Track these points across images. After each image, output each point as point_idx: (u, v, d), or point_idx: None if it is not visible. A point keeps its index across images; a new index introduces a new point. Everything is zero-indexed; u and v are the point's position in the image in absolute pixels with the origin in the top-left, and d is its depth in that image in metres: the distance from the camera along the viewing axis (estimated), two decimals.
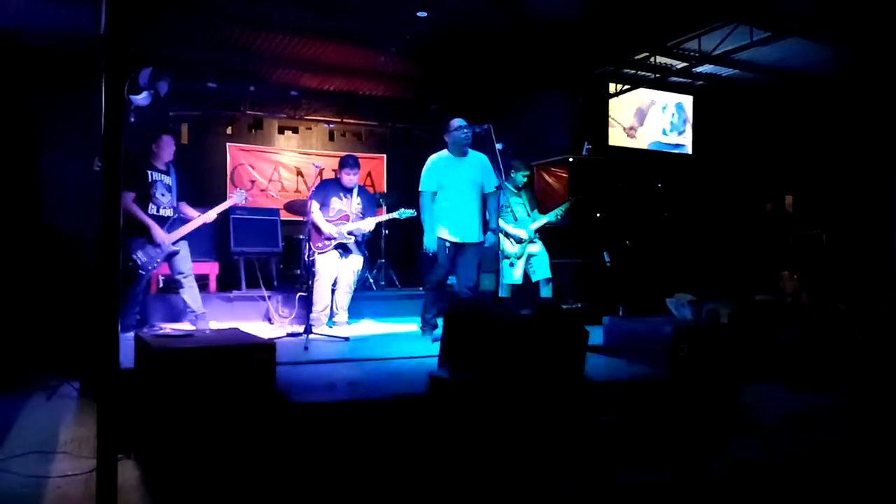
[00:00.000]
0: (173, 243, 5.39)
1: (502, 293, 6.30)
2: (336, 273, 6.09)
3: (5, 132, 5.67)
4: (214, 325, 5.49)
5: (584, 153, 8.14)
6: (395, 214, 6.21)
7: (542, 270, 6.37)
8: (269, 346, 3.44)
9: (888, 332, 5.57)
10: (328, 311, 6.13)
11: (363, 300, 7.08)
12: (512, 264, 6.28)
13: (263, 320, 6.64)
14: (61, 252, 5.54)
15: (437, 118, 8.03)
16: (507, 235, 6.25)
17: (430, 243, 5.34)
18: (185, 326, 5.48)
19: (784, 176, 8.77)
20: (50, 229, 5.64)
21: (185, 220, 5.53)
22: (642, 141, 8.74)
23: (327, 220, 6.05)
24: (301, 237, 6.19)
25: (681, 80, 8.32)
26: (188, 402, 3.17)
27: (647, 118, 8.74)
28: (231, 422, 3.22)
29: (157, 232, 5.30)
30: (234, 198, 5.87)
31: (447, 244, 5.34)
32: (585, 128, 8.34)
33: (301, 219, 6.63)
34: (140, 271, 5.26)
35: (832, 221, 7.91)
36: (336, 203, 6.13)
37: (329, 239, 6.01)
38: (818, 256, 7.77)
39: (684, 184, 8.85)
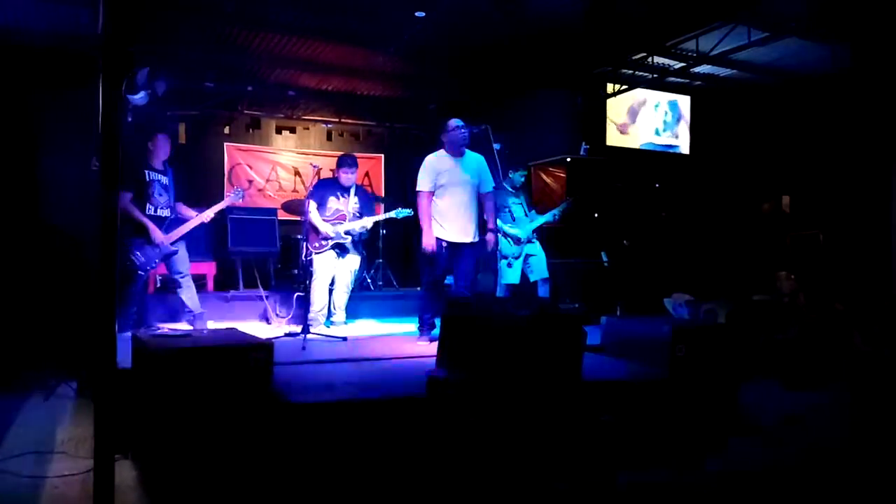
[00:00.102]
0: (171, 243, 5.39)
1: (500, 293, 6.30)
2: (333, 273, 6.09)
3: (3, 132, 5.66)
4: (212, 324, 5.49)
5: (581, 153, 8.14)
6: (391, 214, 6.21)
7: (539, 270, 6.37)
8: (266, 346, 3.43)
9: (885, 332, 5.58)
10: (326, 310, 6.13)
11: (361, 300, 7.08)
12: (510, 264, 6.28)
13: (261, 320, 6.64)
14: (59, 252, 5.54)
15: (435, 118, 8.03)
16: (505, 235, 6.25)
17: (429, 243, 5.33)
18: (182, 326, 5.47)
19: (781, 176, 8.78)
20: (48, 229, 5.64)
21: (182, 221, 5.52)
22: (635, 140, 8.72)
23: (324, 220, 6.05)
24: (299, 237, 6.18)
25: (679, 80, 8.32)
26: (185, 403, 3.17)
27: (640, 116, 8.72)
28: (228, 422, 3.22)
29: (155, 232, 5.29)
30: (231, 197, 5.86)
31: (444, 244, 5.34)
32: (583, 128, 8.34)
33: (298, 219, 6.64)
34: (138, 271, 5.25)
35: (829, 221, 7.92)
36: (333, 202, 6.12)
37: (326, 239, 6.01)
38: (815, 256, 7.79)
39: (682, 184, 8.85)
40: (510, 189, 6.47)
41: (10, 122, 5.69)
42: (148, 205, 5.35)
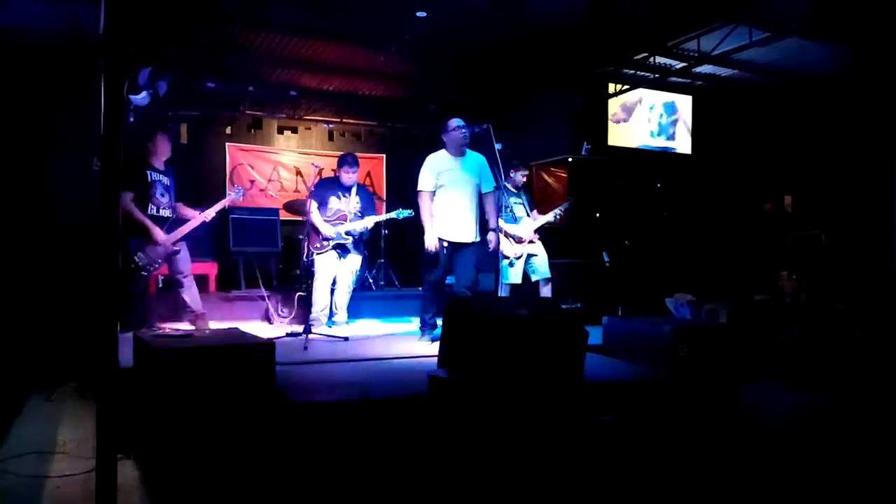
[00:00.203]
0: (173, 243, 5.39)
1: (502, 293, 6.29)
2: (335, 273, 6.09)
3: (4, 132, 5.66)
4: (214, 324, 5.49)
5: (583, 153, 8.14)
6: (392, 214, 6.21)
7: (541, 270, 6.37)
8: (268, 346, 3.44)
9: (887, 332, 5.58)
10: (327, 310, 6.13)
11: (362, 300, 7.09)
12: (511, 264, 6.28)
13: (263, 320, 6.64)
14: (60, 252, 5.54)
15: (437, 118, 8.03)
16: (507, 235, 6.25)
17: (431, 243, 5.34)
18: (184, 326, 5.48)
19: (783, 176, 8.77)
20: (49, 229, 5.64)
21: (183, 221, 5.53)
22: (631, 139, 8.66)
23: (326, 220, 6.05)
24: (300, 237, 6.19)
25: (680, 80, 8.31)
26: (188, 402, 3.17)
27: (634, 115, 8.65)
28: (230, 421, 3.22)
29: (157, 232, 5.30)
30: (232, 195, 5.88)
31: (445, 244, 5.34)
32: (585, 128, 8.34)
33: (300, 219, 6.64)
34: (141, 272, 5.26)
35: (831, 221, 7.91)
36: (334, 202, 6.13)
37: (327, 239, 6.01)
38: (817, 256, 7.78)
39: (683, 184, 8.84)
40: (512, 189, 6.47)
41: (11, 122, 5.69)
42: (150, 205, 5.36)
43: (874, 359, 5.43)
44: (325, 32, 6.68)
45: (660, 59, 7.63)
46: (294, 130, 9.10)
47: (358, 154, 6.86)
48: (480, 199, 5.52)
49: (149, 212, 5.33)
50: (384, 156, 9.54)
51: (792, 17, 6.27)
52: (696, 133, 9.07)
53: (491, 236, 5.49)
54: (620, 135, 8.54)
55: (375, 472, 3.23)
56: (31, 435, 3.83)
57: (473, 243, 5.42)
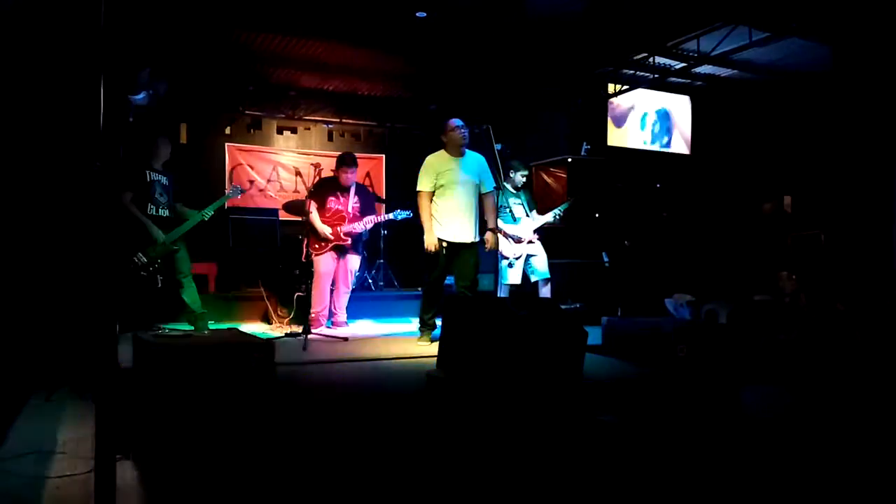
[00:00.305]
0: (172, 243, 5.39)
1: (501, 293, 6.30)
2: (334, 273, 6.09)
3: (3, 132, 5.66)
4: (213, 325, 5.49)
5: (582, 153, 8.14)
6: (390, 216, 6.22)
7: (540, 271, 6.37)
8: (267, 346, 3.43)
9: (888, 333, 5.58)
10: (327, 311, 6.13)
11: (362, 300, 7.09)
12: (511, 265, 6.27)
13: (262, 320, 6.64)
14: (59, 252, 5.53)
15: (436, 118, 8.04)
16: (506, 236, 6.25)
17: (430, 243, 5.34)
18: (183, 326, 5.47)
19: (783, 176, 8.77)
20: (48, 228, 5.63)
21: (182, 221, 5.53)
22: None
23: (324, 220, 6.05)
24: (300, 237, 6.19)
25: (680, 80, 8.32)
26: (187, 403, 3.17)
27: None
28: (230, 422, 3.22)
29: (156, 232, 5.30)
30: (230, 193, 5.90)
31: (445, 244, 5.34)
32: (584, 128, 8.34)
33: (299, 219, 6.64)
34: (140, 272, 5.26)
35: (831, 221, 7.91)
36: (333, 202, 6.13)
37: (326, 240, 6.02)
38: (817, 257, 7.78)
39: (683, 184, 8.85)
40: (511, 189, 6.46)
41: (9, 122, 5.68)
42: (149, 205, 5.36)
43: (874, 359, 5.43)
44: (325, 33, 6.69)
45: (659, 60, 7.64)
46: (293, 131, 9.10)
47: (357, 154, 6.86)
48: (480, 199, 5.52)
49: (148, 211, 5.34)
50: (383, 156, 9.54)
51: (792, 16, 6.27)
52: (695, 133, 9.08)
53: (488, 236, 5.49)
54: (614, 140, 8.56)
55: (375, 472, 3.23)
56: (31, 435, 3.82)
57: (473, 244, 5.41)
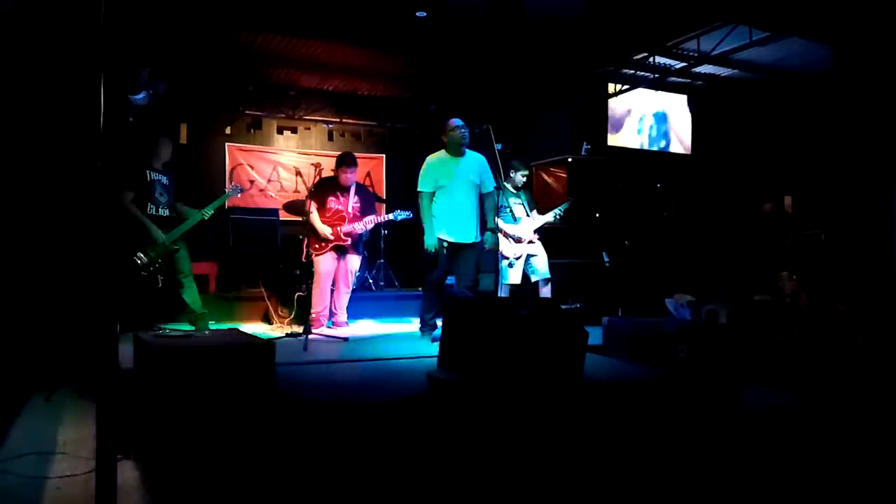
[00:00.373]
0: (173, 243, 5.39)
1: (501, 293, 6.29)
2: (334, 273, 6.09)
3: (3, 132, 5.66)
4: (214, 325, 5.49)
5: (582, 153, 8.14)
6: (390, 217, 6.21)
7: (541, 271, 6.37)
8: (268, 347, 3.43)
9: (888, 333, 5.58)
10: (327, 311, 6.13)
11: (362, 300, 7.09)
12: (511, 265, 6.27)
13: (262, 320, 6.64)
14: (60, 252, 5.53)
15: (437, 118, 8.05)
16: (507, 236, 6.24)
17: (430, 243, 5.34)
18: (184, 326, 5.47)
19: (783, 176, 8.78)
20: (49, 229, 5.64)
21: (183, 220, 5.53)
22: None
23: (324, 220, 6.05)
24: (300, 237, 6.19)
25: (680, 80, 8.32)
26: (188, 403, 3.17)
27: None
28: (231, 422, 3.22)
29: (156, 232, 5.30)
30: (229, 192, 5.90)
31: (445, 244, 5.34)
32: (584, 128, 8.34)
33: (300, 219, 6.64)
34: (140, 272, 5.26)
35: (831, 222, 7.91)
36: (333, 202, 6.12)
37: (326, 240, 6.02)
38: (817, 257, 7.78)
39: (683, 184, 8.84)
40: (511, 189, 6.46)
41: (10, 122, 5.68)
42: (149, 205, 5.36)
43: (875, 359, 5.43)
44: (325, 33, 6.69)
45: (659, 59, 7.64)
46: (294, 130, 9.10)
47: (357, 154, 6.86)
48: (481, 198, 5.51)
49: (148, 211, 5.34)
50: (384, 156, 9.54)
51: (792, 16, 6.27)
52: (695, 133, 9.08)
53: (488, 236, 5.48)
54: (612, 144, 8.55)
55: (375, 472, 3.23)
56: (31, 435, 3.82)
57: (474, 244, 5.41)
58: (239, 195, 6.02)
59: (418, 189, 5.44)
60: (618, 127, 8.55)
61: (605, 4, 6.10)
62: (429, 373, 3.68)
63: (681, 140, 8.98)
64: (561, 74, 7.88)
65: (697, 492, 3.30)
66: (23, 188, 5.61)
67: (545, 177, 8.35)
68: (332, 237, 6.01)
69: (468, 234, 5.38)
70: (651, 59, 7.63)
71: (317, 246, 6.01)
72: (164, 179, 5.51)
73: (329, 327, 6.08)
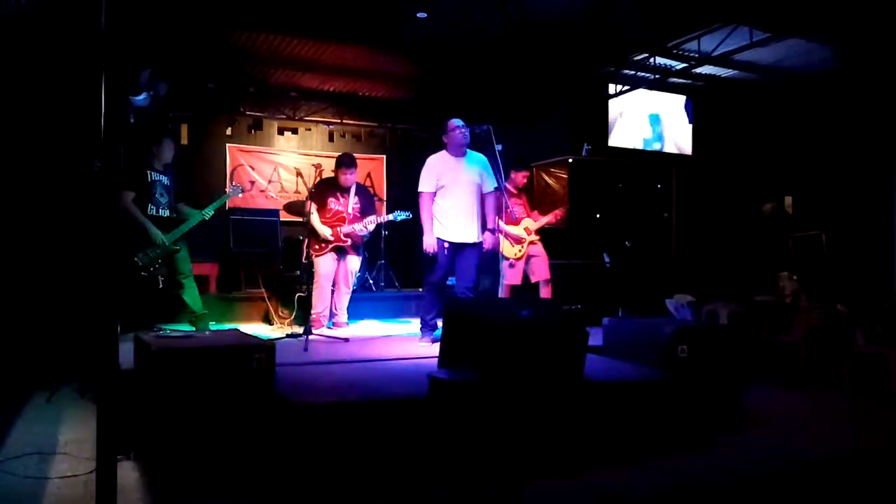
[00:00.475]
0: (173, 243, 5.40)
1: (502, 294, 6.30)
2: (335, 274, 6.09)
3: (4, 131, 5.66)
4: (214, 325, 5.49)
5: (583, 154, 8.14)
6: (390, 217, 6.22)
7: (541, 271, 6.37)
8: (268, 347, 3.44)
9: (888, 333, 5.58)
10: (327, 311, 6.13)
11: (363, 301, 7.09)
12: (511, 265, 6.28)
13: (263, 321, 6.64)
14: (61, 252, 5.54)
15: (437, 119, 8.05)
16: (507, 236, 6.25)
17: (429, 244, 5.34)
18: (184, 327, 5.48)
19: (784, 176, 8.77)
20: (50, 229, 5.64)
21: (184, 220, 5.53)
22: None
23: (324, 221, 6.05)
24: (300, 238, 6.19)
25: (680, 80, 8.32)
26: (188, 403, 3.17)
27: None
28: (231, 423, 3.22)
29: (156, 233, 5.30)
30: (230, 192, 5.90)
31: (446, 245, 5.34)
32: (585, 129, 8.34)
33: (300, 219, 6.64)
34: (141, 272, 5.26)
35: (832, 222, 7.91)
36: (333, 203, 6.13)
37: (326, 241, 6.02)
38: (818, 257, 7.77)
39: (684, 185, 8.84)
40: (512, 189, 6.47)
41: (10, 122, 5.69)
42: (150, 205, 5.37)
43: (875, 360, 5.43)
44: (326, 33, 6.69)
45: (660, 60, 7.64)
46: (294, 131, 9.10)
47: (358, 155, 6.87)
48: (481, 199, 5.51)
49: (149, 212, 5.34)
50: (384, 157, 9.53)
51: (793, 17, 6.27)
52: (696, 134, 9.07)
53: (487, 236, 5.48)
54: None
55: (375, 472, 3.23)
56: (32, 436, 3.83)
57: (475, 244, 5.41)
58: (240, 195, 6.02)
59: (419, 189, 5.45)
60: (609, 129, 8.54)
61: (605, 5, 6.10)
62: (429, 373, 3.68)
63: (675, 141, 8.96)
64: (561, 75, 7.88)
65: (697, 491, 3.30)
66: (23, 189, 5.62)
67: (545, 177, 8.35)
68: (332, 238, 6.01)
69: (469, 234, 5.38)
70: (651, 60, 7.63)
71: (317, 247, 6.01)
72: (165, 180, 5.51)
73: (329, 328, 6.08)
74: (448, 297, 5.73)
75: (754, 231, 8.67)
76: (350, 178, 6.16)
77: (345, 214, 6.12)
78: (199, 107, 8.25)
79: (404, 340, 5.68)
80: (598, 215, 7.90)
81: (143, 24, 5.73)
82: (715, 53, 7.07)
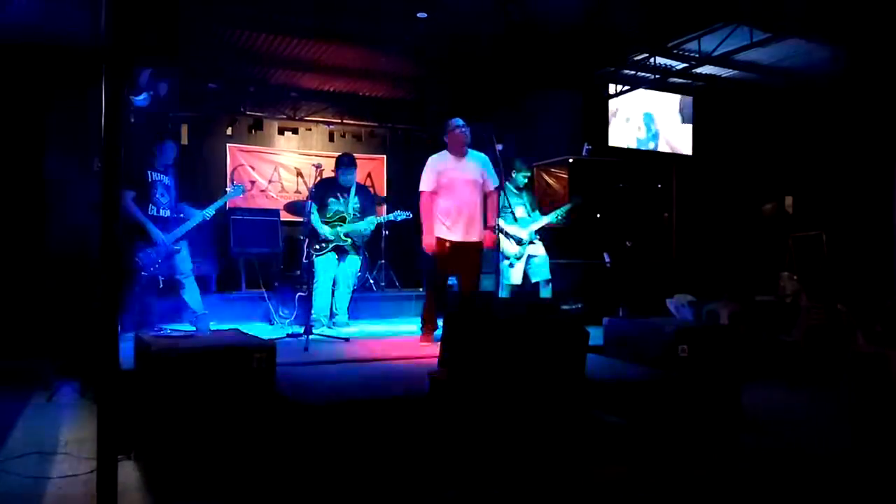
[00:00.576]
0: (173, 243, 5.40)
1: (502, 294, 6.29)
2: (335, 274, 6.09)
3: (6, 131, 5.67)
4: (214, 325, 5.49)
5: (584, 154, 8.13)
6: (390, 217, 6.22)
7: (541, 271, 6.37)
8: (269, 347, 3.44)
9: (888, 333, 5.58)
10: (328, 311, 6.13)
11: (363, 301, 7.09)
12: (511, 265, 6.27)
13: (263, 321, 6.64)
14: (61, 252, 5.54)
15: (438, 119, 8.05)
16: (507, 236, 6.24)
17: (428, 244, 5.33)
18: (185, 327, 5.48)
19: (784, 176, 8.77)
20: (50, 229, 5.65)
21: (184, 220, 5.53)
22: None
23: (325, 221, 6.06)
24: (301, 238, 6.20)
25: (681, 80, 8.32)
26: (188, 403, 3.17)
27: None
28: (231, 422, 3.23)
29: (156, 233, 5.30)
30: (231, 192, 5.90)
31: (448, 244, 5.33)
32: (585, 128, 8.33)
33: (301, 219, 6.64)
34: (141, 272, 5.27)
35: (832, 222, 7.91)
36: (333, 203, 6.13)
37: (326, 241, 6.02)
38: (818, 257, 7.78)
39: (684, 184, 8.84)
40: (513, 189, 6.46)
41: (12, 122, 5.70)
42: (150, 205, 5.37)
43: (875, 359, 5.43)
44: (327, 34, 6.69)
45: (660, 60, 7.64)
46: (295, 131, 9.11)
47: (358, 155, 6.86)
48: (483, 198, 5.50)
49: (149, 212, 5.34)
50: (385, 157, 9.54)
51: (793, 17, 6.27)
52: (696, 134, 9.07)
53: (488, 234, 5.47)
54: None
55: (376, 472, 3.23)
56: (33, 436, 3.83)
57: (476, 244, 5.40)
58: (241, 195, 6.02)
59: (420, 189, 5.44)
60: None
61: (606, 5, 6.10)
62: (429, 373, 3.68)
63: (668, 141, 8.95)
64: (561, 75, 7.87)
65: (697, 491, 3.30)
66: (24, 189, 5.63)
67: (546, 177, 8.35)
68: (332, 238, 6.01)
69: (470, 233, 5.37)
70: (652, 60, 7.63)
71: (317, 246, 6.02)
72: (166, 180, 5.51)
73: (330, 328, 6.08)
74: (449, 297, 5.73)
75: (755, 231, 8.67)
76: (350, 179, 6.17)
77: (345, 214, 6.12)
78: (200, 107, 8.25)
79: (404, 340, 5.67)
80: (598, 215, 7.90)
81: (144, 23, 5.73)
82: (715, 53, 7.07)
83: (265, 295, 6.69)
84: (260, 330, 5.90)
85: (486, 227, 5.48)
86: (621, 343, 4.86)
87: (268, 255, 7.57)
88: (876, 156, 7.73)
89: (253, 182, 8.65)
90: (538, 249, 6.42)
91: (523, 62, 7.43)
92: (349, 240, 6.09)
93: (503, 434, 3.22)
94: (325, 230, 6.00)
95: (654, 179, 8.51)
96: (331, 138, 9.27)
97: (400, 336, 5.98)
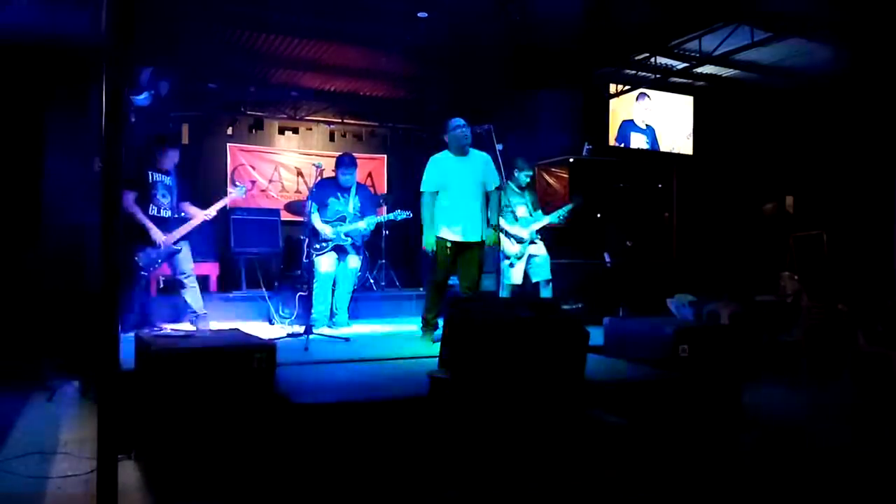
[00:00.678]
0: (174, 243, 5.40)
1: (503, 294, 6.29)
2: (335, 273, 6.10)
3: (6, 131, 5.67)
4: (215, 325, 5.49)
5: (584, 154, 8.13)
6: (390, 216, 6.22)
7: (542, 271, 6.36)
8: (269, 347, 3.44)
9: (888, 333, 5.57)
10: (328, 311, 6.13)
11: (364, 300, 7.09)
12: (512, 265, 6.27)
13: (264, 321, 6.64)
14: (62, 252, 5.54)
15: (438, 119, 8.05)
16: (508, 235, 6.24)
17: (428, 243, 5.33)
18: (185, 327, 5.48)
19: (784, 176, 8.77)
20: (51, 229, 5.64)
21: (184, 220, 5.53)
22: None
23: (325, 221, 6.06)
24: (301, 237, 6.20)
25: (681, 80, 8.31)
26: (189, 403, 3.17)
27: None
28: (231, 422, 3.22)
29: (156, 233, 5.30)
30: (233, 193, 5.91)
31: (448, 244, 5.33)
32: (586, 128, 8.33)
33: (301, 219, 6.65)
34: (142, 272, 5.27)
35: (833, 222, 7.91)
36: (334, 203, 6.13)
37: (326, 240, 6.02)
38: (819, 257, 7.77)
39: (685, 184, 8.83)
40: (516, 189, 6.46)
41: (12, 122, 5.69)
42: (151, 205, 5.37)
43: (875, 359, 5.43)
44: (327, 33, 6.69)
45: (661, 60, 7.63)
46: (295, 131, 9.10)
47: (359, 155, 6.85)
48: (484, 197, 5.50)
49: (150, 212, 5.35)
50: (385, 156, 9.54)
51: (794, 17, 6.26)
52: (697, 133, 9.06)
53: (488, 234, 5.47)
54: None
55: (376, 472, 3.23)
56: (33, 435, 3.83)
57: (477, 243, 5.40)
58: (244, 194, 6.03)
59: (421, 189, 5.44)
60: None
61: (607, 5, 6.10)
62: (430, 373, 3.68)
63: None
64: (562, 75, 7.87)
65: (698, 491, 3.30)
66: (24, 188, 5.63)
67: (547, 177, 8.35)
68: (332, 237, 6.01)
69: (472, 233, 5.37)
70: (652, 60, 7.63)
71: (317, 246, 6.02)
72: (167, 180, 5.51)
73: (330, 327, 6.08)
74: (449, 297, 5.72)
75: (755, 231, 8.67)
76: (350, 178, 6.17)
77: (345, 214, 6.12)
78: (200, 106, 8.25)
79: (405, 340, 5.67)
80: (599, 215, 7.90)
81: (144, 23, 5.73)
82: (716, 53, 7.07)
83: (265, 295, 6.69)
84: (260, 330, 5.90)
85: (488, 226, 5.49)
86: (621, 343, 4.86)
87: (268, 254, 7.57)
88: (877, 155, 7.72)
89: (253, 182, 8.65)
90: (539, 249, 6.42)
91: (523, 62, 7.42)
92: (349, 239, 6.09)
93: (503, 434, 3.22)
94: (325, 230, 6.01)
95: (654, 179, 8.50)
96: (331, 138, 9.27)
97: (400, 336, 5.98)
